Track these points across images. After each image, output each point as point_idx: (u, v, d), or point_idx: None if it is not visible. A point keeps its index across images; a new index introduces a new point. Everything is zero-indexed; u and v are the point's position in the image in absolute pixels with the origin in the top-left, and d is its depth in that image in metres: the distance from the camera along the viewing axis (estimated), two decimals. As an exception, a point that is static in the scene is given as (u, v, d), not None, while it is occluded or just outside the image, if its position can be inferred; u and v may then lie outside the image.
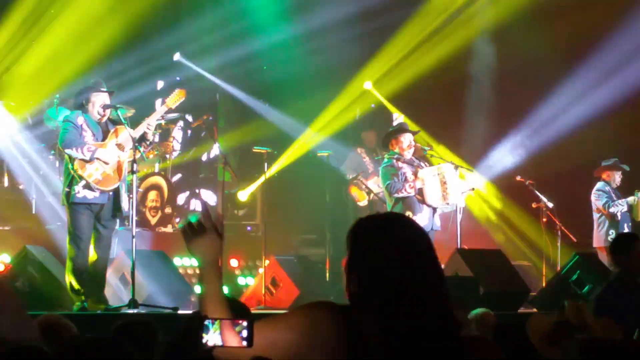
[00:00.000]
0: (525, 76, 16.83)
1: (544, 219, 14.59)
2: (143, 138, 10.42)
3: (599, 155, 14.83)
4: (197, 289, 12.54)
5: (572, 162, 15.65)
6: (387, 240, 3.38)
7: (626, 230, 14.19)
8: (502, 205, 17.03)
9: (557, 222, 14.49)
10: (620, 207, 14.16)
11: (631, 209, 14.29)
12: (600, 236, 14.29)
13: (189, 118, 16.75)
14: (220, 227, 3.55)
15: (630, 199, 14.24)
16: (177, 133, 16.12)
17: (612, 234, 14.17)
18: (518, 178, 14.92)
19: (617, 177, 14.47)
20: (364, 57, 16.87)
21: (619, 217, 14.19)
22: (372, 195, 13.86)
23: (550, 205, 14.53)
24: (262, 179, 14.55)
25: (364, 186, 14.44)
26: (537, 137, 16.68)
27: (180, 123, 16.36)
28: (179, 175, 16.54)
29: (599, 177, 14.52)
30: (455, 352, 3.27)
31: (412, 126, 13.18)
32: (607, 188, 14.35)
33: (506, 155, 16.92)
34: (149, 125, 10.40)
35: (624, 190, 14.42)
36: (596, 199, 14.33)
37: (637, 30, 15.85)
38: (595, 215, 14.38)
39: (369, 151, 15.55)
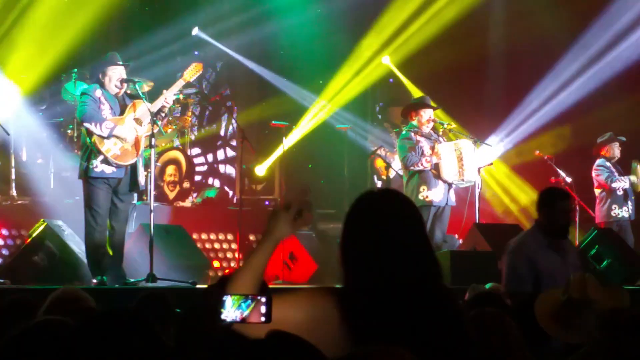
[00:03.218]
0: (538, 50, 16.80)
1: (563, 194, 14.51)
2: (161, 111, 10.41)
3: (613, 130, 14.75)
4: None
5: (587, 138, 15.57)
6: (378, 222, 3.42)
7: (629, 204, 14.19)
8: (519, 180, 17.01)
9: (575, 197, 14.43)
10: (622, 183, 14.14)
11: (632, 184, 14.29)
12: (603, 212, 14.25)
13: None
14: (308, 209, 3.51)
15: (633, 177, 14.23)
16: (195, 107, 16.10)
17: (615, 209, 14.16)
18: (537, 153, 14.89)
19: (616, 150, 14.44)
20: (383, 33, 16.84)
21: (621, 192, 14.16)
22: (390, 170, 13.83)
23: (569, 180, 14.47)
24: (278, 152, 14.56)
25: (384, 160, 14.44)
26: (551, 112, 16.64)
27: (198, 97, 16.34)
28: (197, 150, 16.57)
29: (597, 154, 14.49)
30: (455, 334, 3.29)
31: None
32: (608, 164, 14.32)
33: (512, 133, 16.89)
34: (166, 99, 10.39)
35: (622, 165, 14.41)
36: (597, 175, 14.30)
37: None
38: (597, 191, 14.36)
39: (393, 126, 15.53)
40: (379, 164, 15.03)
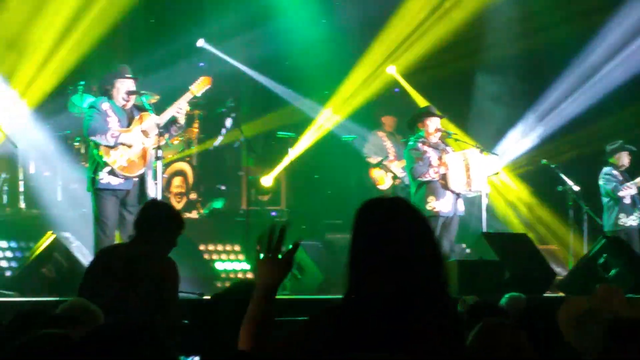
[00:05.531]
0: (545, 57, 16.78)
1: (570, 203, 14.51)
2: (174, 122, 10.41)
3: (622, 138, 14.72)
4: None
5: (595, 146, 15.55)
6: (389, 228, 3.36)
7: (637, 212, 14.11)
8: (526, 189, 16.97)
9: (583, 205, 14.41)
10: (629, 191, 14.05)
11: None
12: (610, 220, 14.18)
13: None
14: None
15: (638, 180, 14.13)
16: (202, 119, 16.08)
17: (622, 217, 14.08)
18: (543, 161, 14.86)
19: (626, 159, 14.35)
20: (388, 41, 16.83)
21: (629, 201, 14.09)
22: (396, 180, 13.81)
23: (577, 188, 14.44)
24: (285, 163, 14.57)
25: (388, 170, 14.41)
26: (558, 121, 16.61)
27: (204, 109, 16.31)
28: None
29: (606, 161, 14.42)
30: (453, 340, 3.28)
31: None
32: (615, 172, 14.21)
33: (523, 137, 16.82)
34: (179, 109, 10.39)
35: (632, 174, 14.37)
36: (604, 184, 14.21)
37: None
38: (604, 200, 14.27)
39: (389, 135, 15.49)
40: (374, 174, 14.98)
